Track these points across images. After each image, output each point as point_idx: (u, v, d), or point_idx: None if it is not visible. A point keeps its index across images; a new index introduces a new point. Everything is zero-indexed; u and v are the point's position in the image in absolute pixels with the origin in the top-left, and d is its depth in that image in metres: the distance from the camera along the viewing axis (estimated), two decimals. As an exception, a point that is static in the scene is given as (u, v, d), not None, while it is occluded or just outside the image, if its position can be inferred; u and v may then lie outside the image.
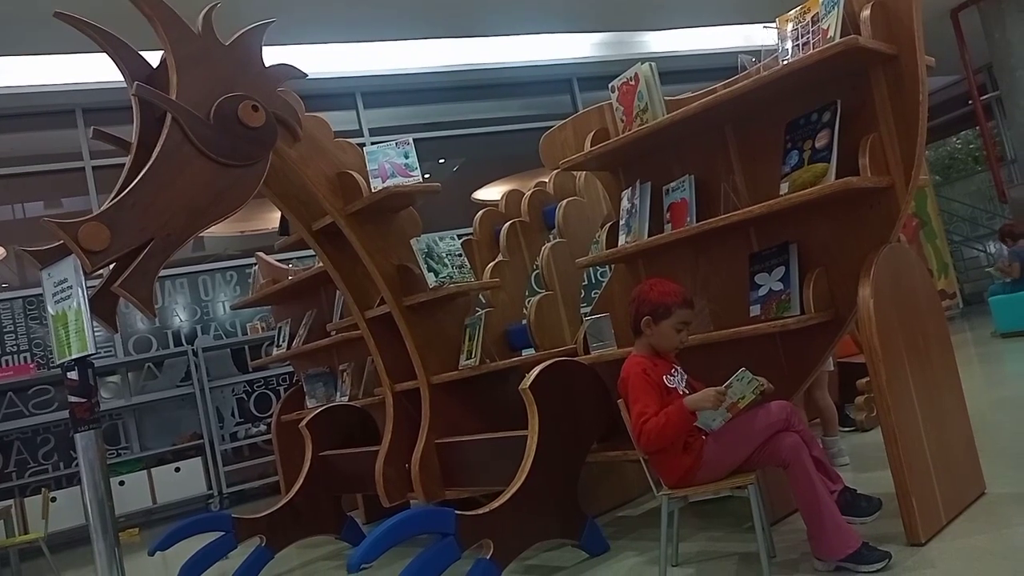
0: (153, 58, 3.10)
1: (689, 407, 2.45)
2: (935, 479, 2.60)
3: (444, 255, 3.73)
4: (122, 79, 3.04)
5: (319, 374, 5.24)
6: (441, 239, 3.81)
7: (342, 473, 4.17)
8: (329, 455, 4.22)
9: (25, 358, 7.13)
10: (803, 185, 2.69)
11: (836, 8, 2.60)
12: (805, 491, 2.41)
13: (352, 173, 3.69)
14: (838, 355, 4.49)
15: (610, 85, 3.35)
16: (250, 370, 7.51)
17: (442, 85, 8.86)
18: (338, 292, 4.75)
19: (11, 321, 7.17)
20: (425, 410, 3.79)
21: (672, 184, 3.26)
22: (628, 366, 2.64)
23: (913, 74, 2.61)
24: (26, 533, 5.58)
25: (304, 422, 4.31)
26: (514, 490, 2.91)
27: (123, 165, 2.97)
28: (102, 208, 2.78)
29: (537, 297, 3.91)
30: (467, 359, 3.81)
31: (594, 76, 9.18)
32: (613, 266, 3.79)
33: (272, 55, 3.28)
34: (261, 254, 5.92)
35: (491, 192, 9.76)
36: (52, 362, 6.88)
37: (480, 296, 4.24)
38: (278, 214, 4.68)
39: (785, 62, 2.71)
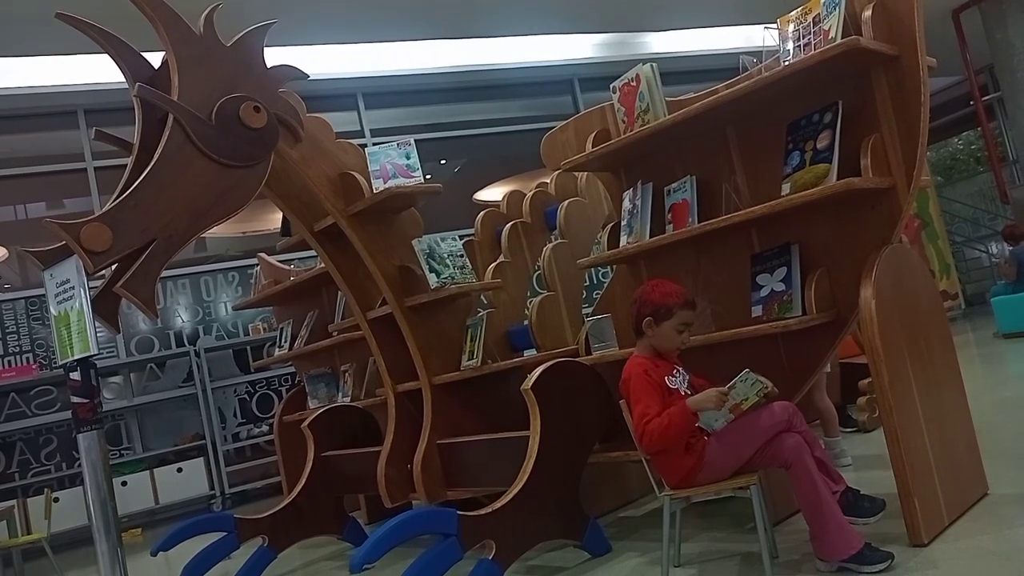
0: (155, 59, 3.10)
1: (691, 408, 2.45)
2: (937, 480, 2.60)
3: (446, 256, 3.74)
4: (124, 80, 3.04)
5: (321, 375, 5.24)
6: (443, 240, 3.81)
7: (344, 473, 4.17)
8: (331, 455, 4.22)
9: (28, 359, 7.14)
10: (805, 186, 2.69)
11: (837, 9, 2.60)
12: (807, 492, 2.41)
13: (354, 174, 3.69)
14: (840, 356, 4.48)
15: (611, 86, 3.35)
16: (252, 371, 7.51)
17: (444, 86, 8.87)
18: (340, 293, 4.75)
19: (13, 322, 7.18)
20: (427, 411, 3.79)
21: (674, 185, 3.26)
22: (629, 367, 2.64)
23: (915, 75, 2.61)
24: (29, 533, 5.60)
25: (306, 423, 4.31)
26: (516, 491, 2.91)
27: (125, 166, 2.98)
28: (104, 209, 2.79)
29: (539, 298, 3.91)
30: (469, 360, 3.81)
31: (595, 77, 9.18)
32: (615, 267, 3.79)
33: (274, 56, 3.28)
34: (263, 255, 5.92)
35: (493, 193, 9.77)
36: (54, 363, 6.88)
37: (482, 297, 4.24)
38: (280, 215, 4.67)
39: (786, 63, 2.70)
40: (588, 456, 3.23)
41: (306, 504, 4.04)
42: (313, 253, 4.43)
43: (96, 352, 2.77)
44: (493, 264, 4.07)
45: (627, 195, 3.43)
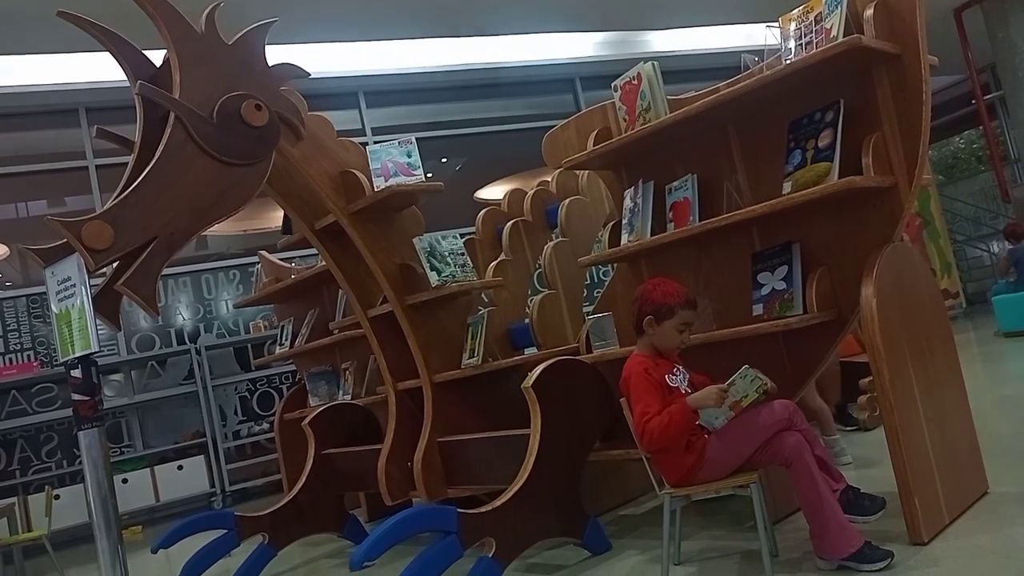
0: (156, 57, 3.10)
1: (692, 405, 2.46)
2: (938, 478, 2.60)
3: (447, 254, 3.74)
4: (125, 78, 3.04)
5: (322, 372, 5.25)
6: (444, 238, 3.81)
7: (344, 471, 4.17)
8: (332, 453, 4.22)
9: (29, 356, 7.14)
10: (806, 184, 2.69)
11: (839, 7, 2.60)
12: (808, 490, 2.41)
13: (355, 172, 3.69)
14: (841, 354, 4.48)
15: (613, 84, 3.35)
16: (253, 368, 7.50)
17: (445, 84, 8.86)
18: (340, 291, 4.76)
19: (15, 319, 7.19)
20: (427, 408, 3.79)
21: (675, 183, 3.26)
22: (630, 365, 2.64)
23: (916, 73, 2.61)
24: (29, 531, 5.61)
25: (307, 420, 4.32)
26: (516, 488, 2.91)
27: (126, 164, 2.98)
28: (105, 207, 2.79)
29: (540, 296, 3.91)
30: (469, 358, 3.81)
31: (597, 75, 9.17)
32: (616, 265, 3.79)
33: (275, 54, 3.28)
34: (264, 253, 5.92)
35: (494, 191, 9.76)
36: (55, 360, 6.88)
37: (483, 295, 4.24)
38: (281, 213, 4.68)
39: (788, 61, 2.70)
40: (588, 454, 3.23)
41: (306, 502, 4.04)
42: (314, 251, 4.43)
43: (97, 350, 2.78)
44: (494, 262, 4.07)
45: (628, 193, 3.43)
